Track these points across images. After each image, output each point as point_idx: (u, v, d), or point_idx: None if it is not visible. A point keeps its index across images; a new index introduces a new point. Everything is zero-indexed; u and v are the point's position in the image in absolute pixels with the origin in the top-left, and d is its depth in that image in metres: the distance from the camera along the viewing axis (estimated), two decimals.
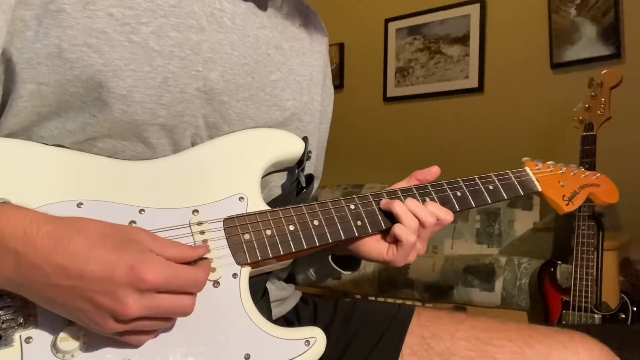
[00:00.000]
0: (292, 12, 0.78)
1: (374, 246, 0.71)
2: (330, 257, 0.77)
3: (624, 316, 1.66)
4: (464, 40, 2.90)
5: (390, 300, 2.22)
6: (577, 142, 1.73)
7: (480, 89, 2.84)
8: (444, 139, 2.93)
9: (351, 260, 0.78)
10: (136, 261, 0.47)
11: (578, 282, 1.68)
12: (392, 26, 3.18)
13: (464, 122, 2.88)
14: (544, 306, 1.80)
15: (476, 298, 2.05)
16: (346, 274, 0.79)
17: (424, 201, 0.72)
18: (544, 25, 2.61)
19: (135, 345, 0.52)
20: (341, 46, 3.38)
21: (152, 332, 0.52)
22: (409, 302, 2.04)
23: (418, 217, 0.69)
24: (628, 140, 2.28)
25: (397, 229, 0.68)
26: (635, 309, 1.66)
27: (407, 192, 0.72)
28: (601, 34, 2.44)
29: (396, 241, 0.69)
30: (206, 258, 0.56)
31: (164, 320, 0.52)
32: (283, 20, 0.76)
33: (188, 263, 0.53)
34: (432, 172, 0.76)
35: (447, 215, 0.71)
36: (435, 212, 0.70)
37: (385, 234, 0.71)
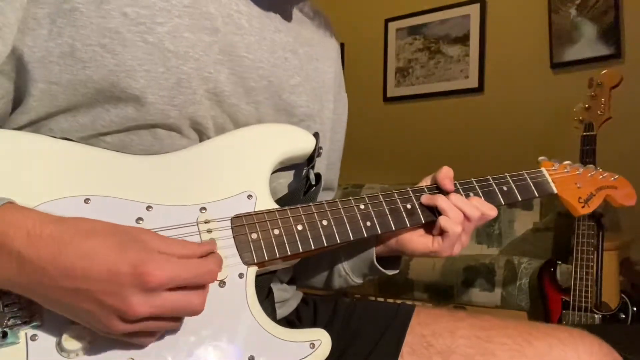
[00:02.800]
0: (305, 18, 0.78)
1: (418, 241, 0.74)
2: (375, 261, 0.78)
3: (624, 316, 1.66)
4: (464, 40, 2.90)
5: (390, 300, 2.22)
6: (577, 142, 1.73)
7: (480, 89, 2.84)
8: (444, 139, 2.93)
9: (390, 260, 0.80)
10: (139, 260, 0.46)
11: (578, 282, 1.68)
12: (392, 26, 3.18)
13: (464, 122, 2.89)
14: (544, 306, 1.80)
15: (476, 298, 2.06)
16: (391, 275, 0.81)
17: None
18: (544, 25, 2.62)
19: (140, 346, 0.51)
20: (341, 46, 3.37)
21: (159, 333, 0.52)
22: (409, 302, 2.04)
23: (463, 211, 0.72)
24: (628, 140, 2.28)
25: (443, 220, 0.71)
26: (635, 309, 1.66)
27: (419, 193, 0.73)
28: (601, 34, 2.45)
29: (441, 233, 0.72)
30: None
31: (172, 321, 0.50)
32: (296, 25, 0.75)
33: None
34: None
35: (491, 211, 0.74)
36: (479, 207, 0.73)
37: (425, 229, 0.74)
